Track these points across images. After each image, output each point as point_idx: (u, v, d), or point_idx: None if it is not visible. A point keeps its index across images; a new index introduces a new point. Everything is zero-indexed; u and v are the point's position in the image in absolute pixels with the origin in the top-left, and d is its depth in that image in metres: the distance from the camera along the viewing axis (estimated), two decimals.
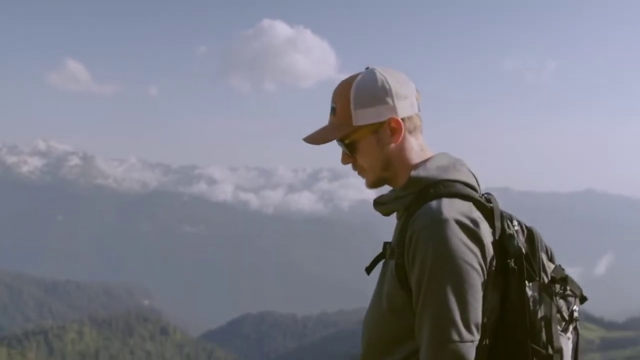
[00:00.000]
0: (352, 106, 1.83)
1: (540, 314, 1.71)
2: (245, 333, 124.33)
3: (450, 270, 1.62)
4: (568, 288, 1.84)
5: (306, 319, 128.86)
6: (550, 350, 1.71)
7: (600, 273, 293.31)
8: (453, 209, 1.69)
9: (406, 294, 1.72)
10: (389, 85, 1.82)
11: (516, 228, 1.80)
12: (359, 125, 1.83)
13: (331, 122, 1.89)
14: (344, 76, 1.87)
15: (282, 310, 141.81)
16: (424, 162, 1.84)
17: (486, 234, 1.70)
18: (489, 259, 1.69)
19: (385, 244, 1.88)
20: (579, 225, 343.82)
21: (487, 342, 1.70)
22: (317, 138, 1.88)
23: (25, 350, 77.83)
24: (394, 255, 1.77)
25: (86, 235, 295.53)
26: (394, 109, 1.82)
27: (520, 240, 1.75)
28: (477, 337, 1.63)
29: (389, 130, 1.83)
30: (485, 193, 1.87)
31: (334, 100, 1.89)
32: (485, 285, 1.67)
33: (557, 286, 1.80)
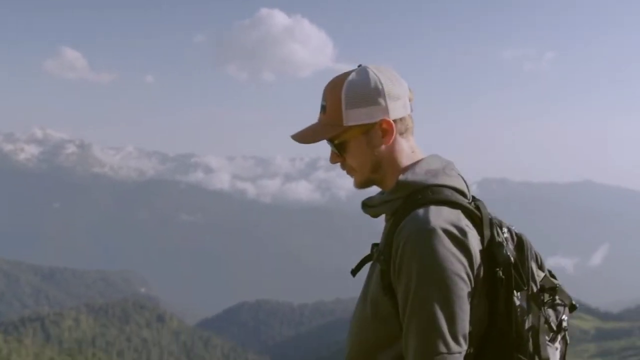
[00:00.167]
0: (343, 106, 1.79)
1: (528, 324, 1.70)
2: (242, 321, 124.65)
3: (437, 281, 1.60)
4: (557, 297, 1.81)
5: (303, 307, 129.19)
6: None
7: (597, 264, 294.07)
8: (440, 217, 1.66)
9: (389, 300, 1.70)
10: (382, 85, 1.78)
11: (505, 235, 1.76)
12: (350, 125, 1.79)
13: (321, 121, 1.85)
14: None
15: (279, 298, 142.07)
16: (413, 165, 1.81)
17: (474, 242, 1.68)
18: (476, 268, 1.67)
19: (374, 245, 1.86)
20: (576, 215, 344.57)
21: (473, 351, 1.68)
22: (306, 137, 1.85)
23: (22, 337, 77.77)
24: (380, 260, 1.74)
25: (83, 223, 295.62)
26: (386, 110, 1.78)
27: (510, 249, 1.73)
28: (464, 348, 1.62)
29: (380, 131, 1.79)
30: (474, 199, 1.82)
31: (324, 98, 1.84)
32: (472, 295, 1.65)
33: (546, 295, 1.78)
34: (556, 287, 1.80)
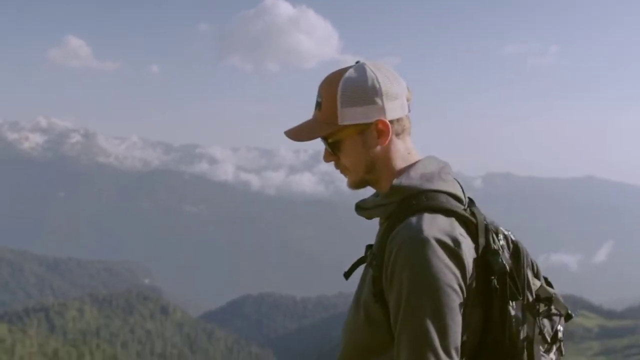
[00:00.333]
0: (338, 104, 1.75)
1: (522, 334, 1.68)
2: (245, 314, 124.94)
3: (429, 292, 1.57)
4: (553, 307, 1.78)
5: (305, 301, 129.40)
6: None
7: (600, 260, 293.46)
8: (434, 226, 1.63)
9: (381, 308, 1.68)
10: (379, 84, 1.74)
11: (502, 243, 1.73)
12: (345, 124, 1.75)
13: (315, 118, 1.81)
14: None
15: (281, 291, 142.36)
16: (409, 168, 1.77)
17: (467, 252, 1.64)
18: (469, 278, 1.64)
19: (368, 247, 1.83)
20: (579, 211, 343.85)
21: None
22: (300, 134, 1.81)
23: (26, 327, 78.00)
24: (372, 265, 1.71)
25: (87, 213, 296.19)
26: (382, 110, 1.74)
27: (505, 257, 1.70)
28: None
29: (376, 132, 1.75)
30: (470, 204, 1.78)
31: (320, 94, 1.80)
32: (465, 305, 1.62)
33: (542, 305, 1.75)
34: (552, 296, 1.77)
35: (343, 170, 1.83)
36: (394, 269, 1.62)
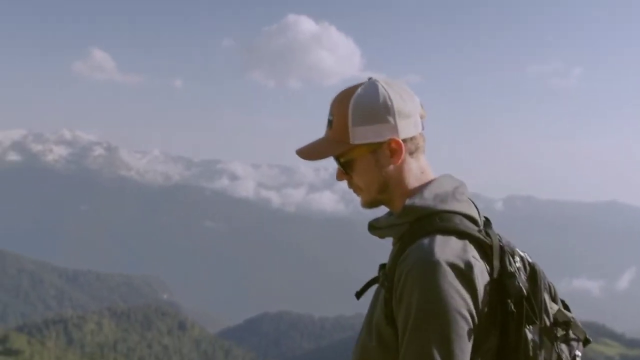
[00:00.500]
0: (350, 122, 1.72)
1: (540, 359, 1.63)
2: (263, 332, 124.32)
3: (436, 317, 1.54)
4: (571, 332, 1.73)
5: (323, 320, 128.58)
6: None
7: (623, 287, 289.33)
8: (446, 248, 1.60)
9: (391, 329, 1.65)
10: (392, 102, 1.71)
11: (518, 265, 1.69)
12: (356, 143, 1.73)
13: (327, 137, 1.79)
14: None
15: (300, 309, 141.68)
16: (422, 188, 1.74)
17: (480, 275, 1.61)
18: (481, 302, 1.60)
19: (381, 266, 1.81)
20: (602, 236, 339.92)
21: None
22: (311, 154, 1.78)
23: (45, 339, 78.25)
24: (384, 286, 1.70)
25: (108, 226, 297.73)
26: (395, 129, 1.71)
27: (522, 280, 1.66)
28: None
29: (389, 151, 1.72)
30: (485, 223, 1.75)
31: (331, 112, 1.77)
32: (478, 329, 1.59)
33: (560, 330, 1.71)
34: (570, 321, 1.73)
35: (356, 189, 1.82)
36: (402, 291, 1.60)
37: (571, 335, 1.73)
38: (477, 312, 1.58)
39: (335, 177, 1.74)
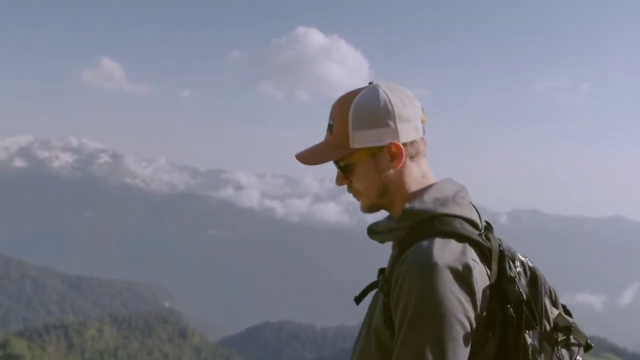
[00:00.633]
0: (350, 126, 1.71)
1: None
2: (264, 341, 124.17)
3: (431, 319, 1.53)
4: (572, 337, 1.71)
5: (325, 330, 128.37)
6: None
7: (626, 302, 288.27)
8: (445, 251, 1.58)
9: (391, 333, 1.64)
10: (392, 106, 1.70)
11: (518, 269, 1.67)
12: (356, 147, 1.72)
13: (327, 141, 1.78)
14: None
15: (301, 319, 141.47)
16: (422, 192, 1.72)
17: (480, 278, 1.60)
18: (480, 306, 1.59)
19: (380, 271, 1.78)
20: (606, 251, 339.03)
21: None
22: (311, 158, 1.78)
23: (46, 344, 78.47)
24: (383, 290, 1.68)
25: (113, 233, 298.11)
26: (395, 133, 1.70)
27: (522, 284, 1.64)
28: None
29: (389, 155, 1.71)
30: (485, 227, 1.73)
31: (331, 116, 1.77)
32: (476, 333, 1.58)
33: (560, 334, 1.69)
34: (571, 325, 1.70)
35: (355, 193, 1.80)
36: (399, 292, 1.58)
37: (572, 340, 1.71)
38: (475, 316, 1.57)
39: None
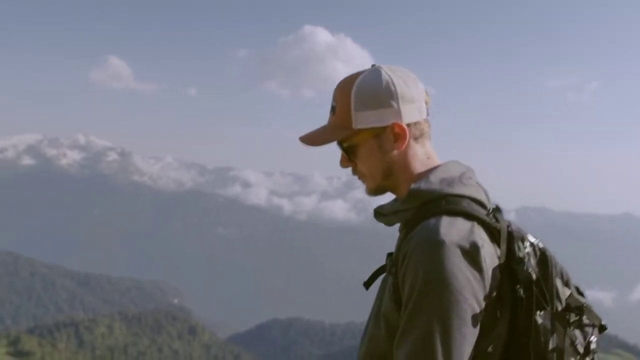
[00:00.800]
0: (352, 107, 1.70)
1: (552, 345, 1.59)
2: (272, 338, 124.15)
3: (438, 298, 1.51)
4: (585, 317, 1.67)
5: (334, 327, 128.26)
6: None
7: (637, 299, 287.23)
8: (452, 229, 1.56)
9: (401, 315, 1.60)
10: (395, 87, 1.69)
11: (527, 250, 1.64)
12: (360, 128, 1.71)
13: (330, 122, 1.77)
14: None
15: (310, 316, 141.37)
16: (428, 173, 1.71)
17: (488, 257, 1.57)
18: (489, 285, 1.56)
19: (388, 255, 1.76)
20: (616, 248, 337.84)
21: None
22: (313, 139, 1.77)
23: (56, 341, 78.72)
24: (392, 272, 1.66)
25: (121, 231, 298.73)
26: (398, 113, 1.69)
27: (531, 265, 1.62)
28: None
29: (392, 135, 1.70)
30: (494, 209, 1.71)
31: (334, 98, 1.76)
32: (486, 313, 1.55)
33: (572, 315, 1.65)
34: (583, 305, 1.66)
35: (360, 176, 1.79)
36: (406, 270, 1.57)
37: (585, 320, 1.68)
38: (483, 296, 1.55)
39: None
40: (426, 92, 1.76)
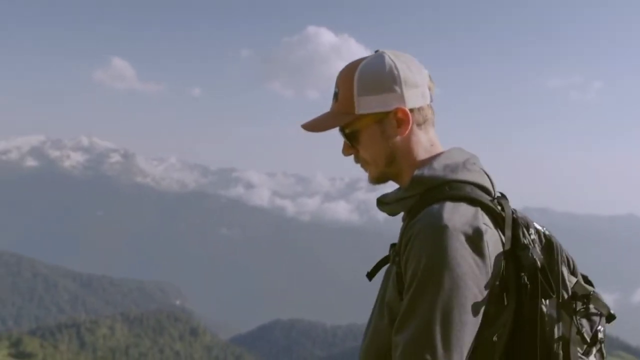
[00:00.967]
0: (355, 92, 1.67)
1: (557, 334, 1.56)
2: (274, 339, 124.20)
3: (440, 285, 1.47)
4: (592, 306, 1.65)
5: (336, 328, 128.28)
6: None
7: (639, 300, 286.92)
8: (456, 214, 1.53)
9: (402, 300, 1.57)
10: (398, 72, 1.66)
11: (533, 237, 1.62)
12: (362, 113, 1.67)
13: (333, 109, 1.74)
14: None
15: (312, 317, 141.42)
16: (431, 159, 1.68)
17: (492, 244, 1.54)
18: (492, 272, 1.52)
19: (392, 246, 1.75)
20: (619, 250, 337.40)
21: None
22: (315, 125, 1.75)
23: (58, 343, 78.87)
24: (395, 261, 1.63)
25: (124, 232, 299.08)
26: (401, 98, 1.65)
27: (536, 252, 1.58)
28: None
29: (395, 121, 1.67)
30: (499, 195, 1.68)
31: (337, 84, 1.73)
32: (490, 300, 1.52)
33: (579, 303, 1.62)
34: (590, 294, 1.64)
35: (363, 164, 1.75)
36: (409, 256, 1.54)
37: (592, 309, 1.65)
38: (486, 283, 1.52)
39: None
40: (430, 78, 1.74)
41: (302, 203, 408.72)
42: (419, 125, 1.69)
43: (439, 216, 1.52)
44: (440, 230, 1.50)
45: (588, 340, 1.62)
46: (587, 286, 1.66)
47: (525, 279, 1.54)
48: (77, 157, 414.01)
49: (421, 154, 1.69)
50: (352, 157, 1.77)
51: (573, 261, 1.71)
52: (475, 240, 1.51)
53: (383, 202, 1.74)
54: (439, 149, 1.72)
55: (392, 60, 1.67)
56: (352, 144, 1.73)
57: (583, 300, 1.62)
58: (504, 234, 1.58)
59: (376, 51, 1.73)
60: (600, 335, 1.64)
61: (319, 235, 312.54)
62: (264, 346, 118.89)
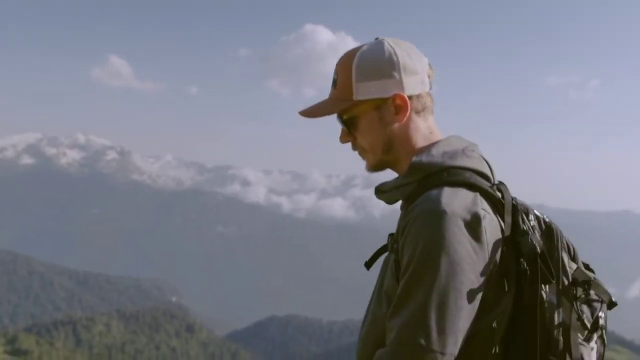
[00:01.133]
0: (354, 78, 1.65)
1: (557, 320, 1.54)
2: (270, 335, 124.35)
3: (436, 270, 1.44)
4: (593, 292, 1.63)
5: (332, 324, 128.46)
6: None
7: (634, 295, 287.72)
8: (454, 199, 1.51)
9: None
10: (397, 58, 1.64)
11: (532, 223, 1.61)
12: (360, 99, 1.65)
13: (331, 96, 1.72)
14: None
15: (308, 313, 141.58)
16: (430, 146, 1.66)
17: (491, 229, 1.52)
18: (491, 257, 1.50)
19: (390, 235, 1.71)
20: (614, 245, 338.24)
21: (498, 350, 1.53)
22: (313, 111, 1.72)
23: (54, 340, 78.90)
24: (394, 249, 1.60)
25: (120, 230, 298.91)
26: (400, 85, 1.64)
27: (536, 238, 1.56)
28: (449, 350, 1.43)
29: (393, 107, 1.64)
30: (498, 182, 1.66)
31: (335, 71, 1.73)
32: (488, 286, 1.50)
33: (579, 289, 1.60)
34: (590, 280, 1.62)
35: (361, 151, 1.74)
36: (406, 241, 1.52)
37: (593, 296, 1.64)
38: (484, 268, 1.49)
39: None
40: (430, 66, 1.73)
41: (298, 200, 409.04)
42: (417, 112, 1.68)
43: (437, 201, 1.50)
44: (438, 215, 1.48)
45: (589, 326, 1.60)
46: (587, 272, 1.66)
47: (525, 265, 1.52)
48: (73, 155, 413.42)
49: (419, 141, 1.68)
50: (349, 148, 1.76)
51: (573, 247, 1.70)
52: (473, 225, 1.49)
53: (381, 191, 1.71)
54: (438, 136, 1.70)
55: (392, 47, 1.66)
56: (349, 131, 1.71)
57: (584, 286, 1.61)
58: (503, 220, 1.56)
59: (376, 39, 1.72)
60: (601, 321, 1.64)
61: (315, 232, 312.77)
62: (260, 342, 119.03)
